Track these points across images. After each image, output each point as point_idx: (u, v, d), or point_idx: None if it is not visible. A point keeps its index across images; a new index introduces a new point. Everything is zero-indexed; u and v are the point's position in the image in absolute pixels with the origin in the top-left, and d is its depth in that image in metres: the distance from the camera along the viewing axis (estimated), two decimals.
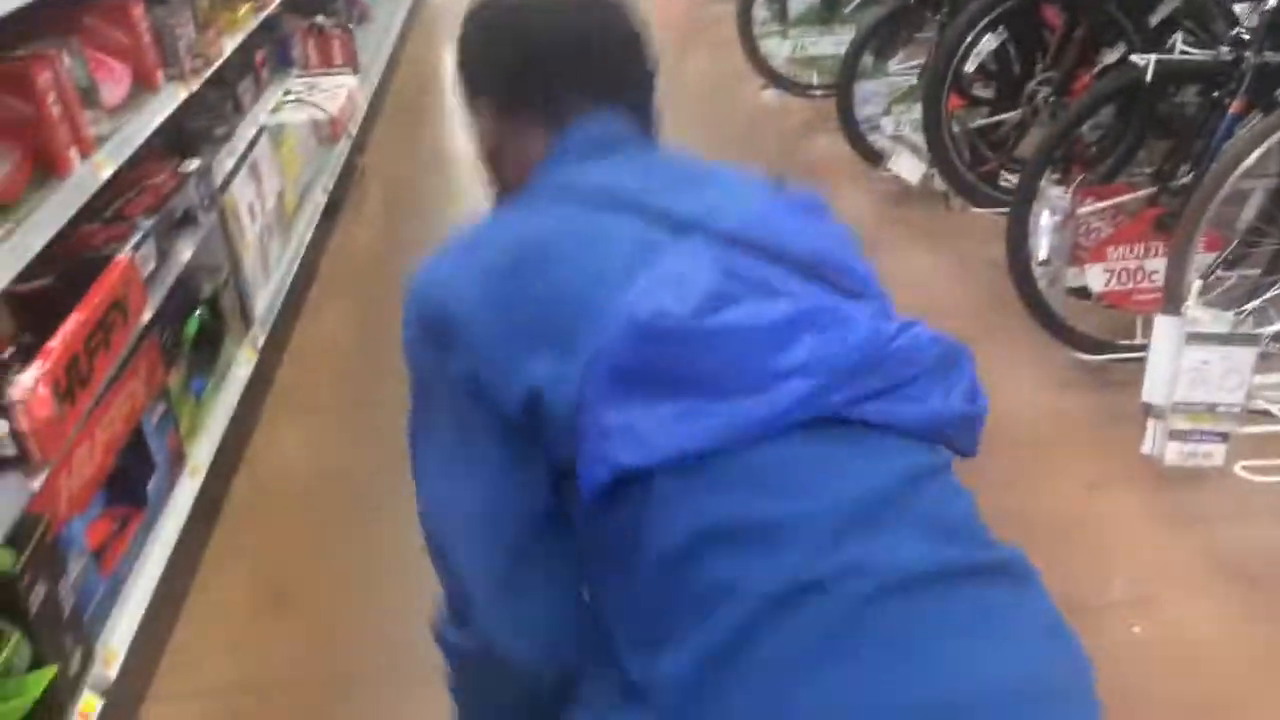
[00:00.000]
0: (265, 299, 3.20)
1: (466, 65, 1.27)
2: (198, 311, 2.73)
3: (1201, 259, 2.55)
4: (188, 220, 2.63)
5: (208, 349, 2.76)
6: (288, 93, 4.07)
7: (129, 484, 2.27)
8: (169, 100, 2.58)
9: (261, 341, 3.06)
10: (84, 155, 2.11)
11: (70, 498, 1.96)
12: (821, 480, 0.95)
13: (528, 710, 1.06)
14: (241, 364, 2.91)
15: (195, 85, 2.72)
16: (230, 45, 3.07)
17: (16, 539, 1.75)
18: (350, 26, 5.19)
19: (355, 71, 4.98)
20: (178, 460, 2.45)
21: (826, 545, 0.91)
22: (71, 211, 2.01)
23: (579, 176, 1.12)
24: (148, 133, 2.41)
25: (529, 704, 1.05)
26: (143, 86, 2.51)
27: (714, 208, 1.08)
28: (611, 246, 1.02)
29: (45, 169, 2.02)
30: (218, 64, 2.91)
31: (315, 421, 3.04)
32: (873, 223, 4.15)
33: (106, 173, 2.16)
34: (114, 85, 2.37)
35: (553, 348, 0.96)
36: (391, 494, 2.67)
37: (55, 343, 1.90)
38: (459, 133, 5.64)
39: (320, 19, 4.84)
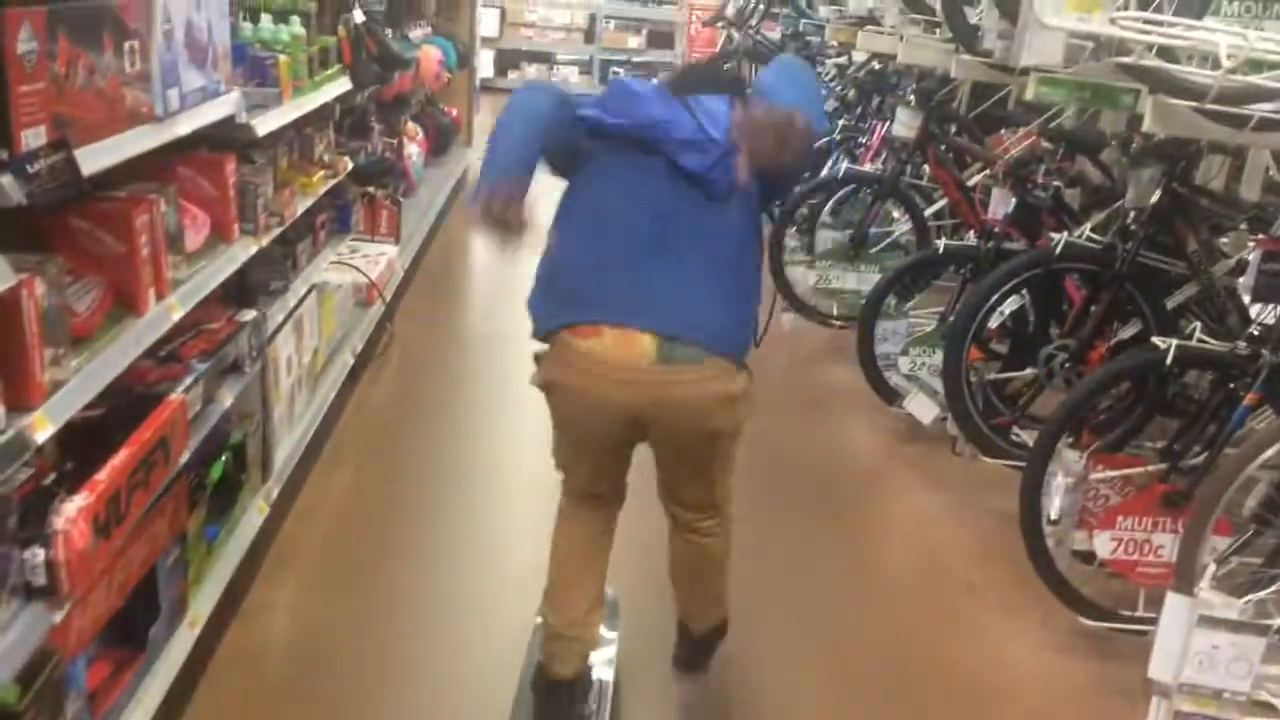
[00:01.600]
0: (285, 452, 3.22)
1: (676, 85, 2.42)
2: (224, 457, 2.75)
3: (1213, 542, 2.61)
4: (235, 368, 2.69)
5: (226, 496, 2.77)
6: (336, 255, 4.21)
7: (129, 626, 2.24)
8: (241, 252, 2.68)
9: (275, 495, 3.07)
10: (160, 296, 2.19)
11: (79, 636, 1.94)
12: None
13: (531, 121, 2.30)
14: (253, 515, 2.91)
15: (266, 241, 2.84)
16: (301, 206, 3.21)
17: (26, 673, 1.72)
18: (399, 199, 5.41)
19: (397, 241, 5.16)
20: (180, 608, 2.42)
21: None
22: (142, 349, 2.07)
23: None
24: (218, 281, 2.50)
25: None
26: (219, 237, 2.62)
27: None
28: None
29: (124, 305, 2.09)
30: (289, 224, 3.04)
31: (312, 583, 3.01)
32: (881, 458, 4.22)
33: (178, 315, 2.24)
34: (195, 233, 2.48)
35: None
36: (375, 664, 2.65)
37: (102, 476, 1.92)
38: (480, 311, 5.79)
39: (373, 189, 5.06)
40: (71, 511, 1.80)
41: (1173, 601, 2.38)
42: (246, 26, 3.26)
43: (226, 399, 2.60)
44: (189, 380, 2.36)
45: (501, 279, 6.37)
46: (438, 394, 4.43)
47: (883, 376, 4.42)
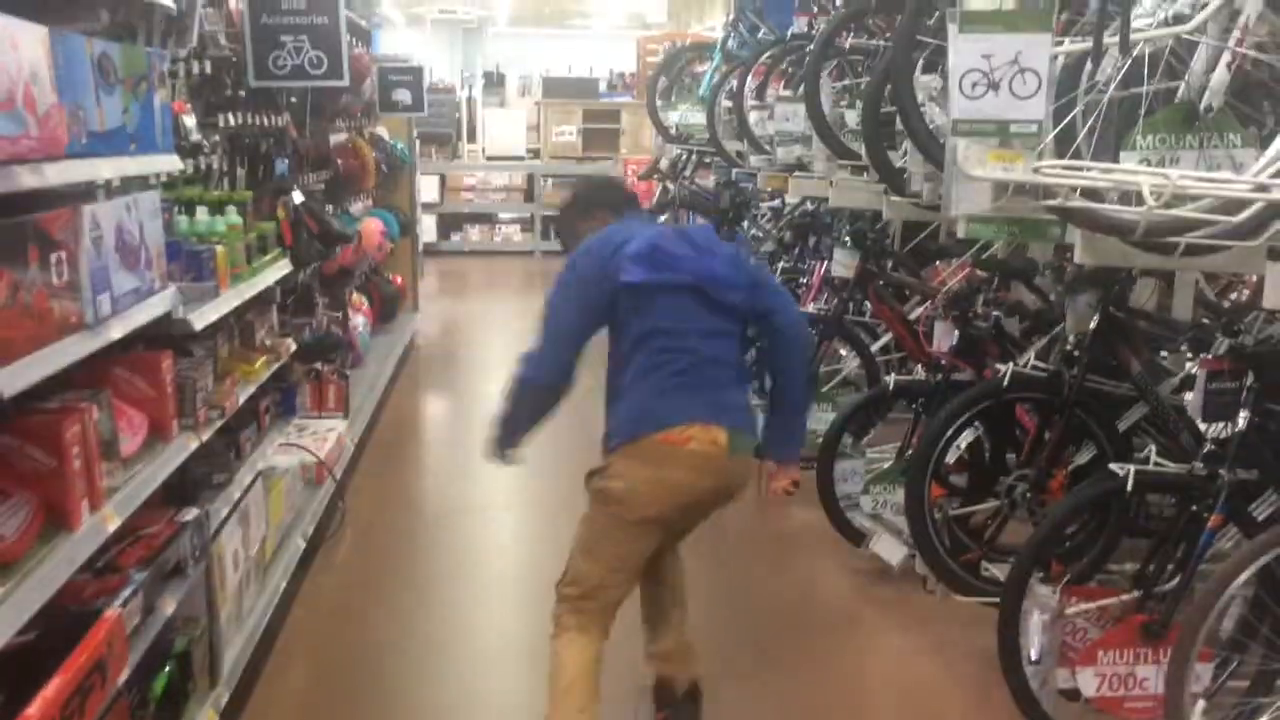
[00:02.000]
0: (234, 653, 3.08)
1: (583, 198, 3.12)
2: (167, 668, 2.61)
3: (1198, 669, 2.55)
4: (177, 571, 2.59)
5: (171, 709, 2.62)
6: (283, 436, 4.14)
7: None
8: (180, 450, 2.61)
9: (225, 701, 2.91)
10: (94, 508, 2.11)
11: None
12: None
13: (542, 405, 2.89)
14: None
15: (206, 435, 2.77)
16: (244, 394, 3.15)
17: None
18: (346, 373, 5.37)
19: (345, 416, 5.10)
20: None
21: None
22: (75, 567, 1.97)
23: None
24: (156, 484, 2.42)
25: (545, 402, 2.86)
26: (158, 436, 2.55)
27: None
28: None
29: (55, 523, 2.00)
30: (230, 414, 2.97)
31: None
32: (852, 601, 4.14)
33: (113, 526, 2.15)
34: (132, 435, 2.41)
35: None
36: None
37: (33, 710, 1.80)
38: (434, 481, 5.70)
39: (319, 365, 5.02)
40: None
41: None
42: (182, 220, 3.26)
43: (169, 606, 2.48)
44: (127, 592, 2.25)
45: (454, 448, 6.30)
46: (395, 572, 4.30)
47: (846, 518, 4.37)
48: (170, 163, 2.72)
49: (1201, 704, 2.34)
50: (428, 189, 12.19)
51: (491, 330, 9.63)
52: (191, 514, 2.68)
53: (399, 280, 8.26)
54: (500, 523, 4.90)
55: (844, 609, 4.09)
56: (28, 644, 2.03)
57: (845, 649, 3.78)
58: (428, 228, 12.03)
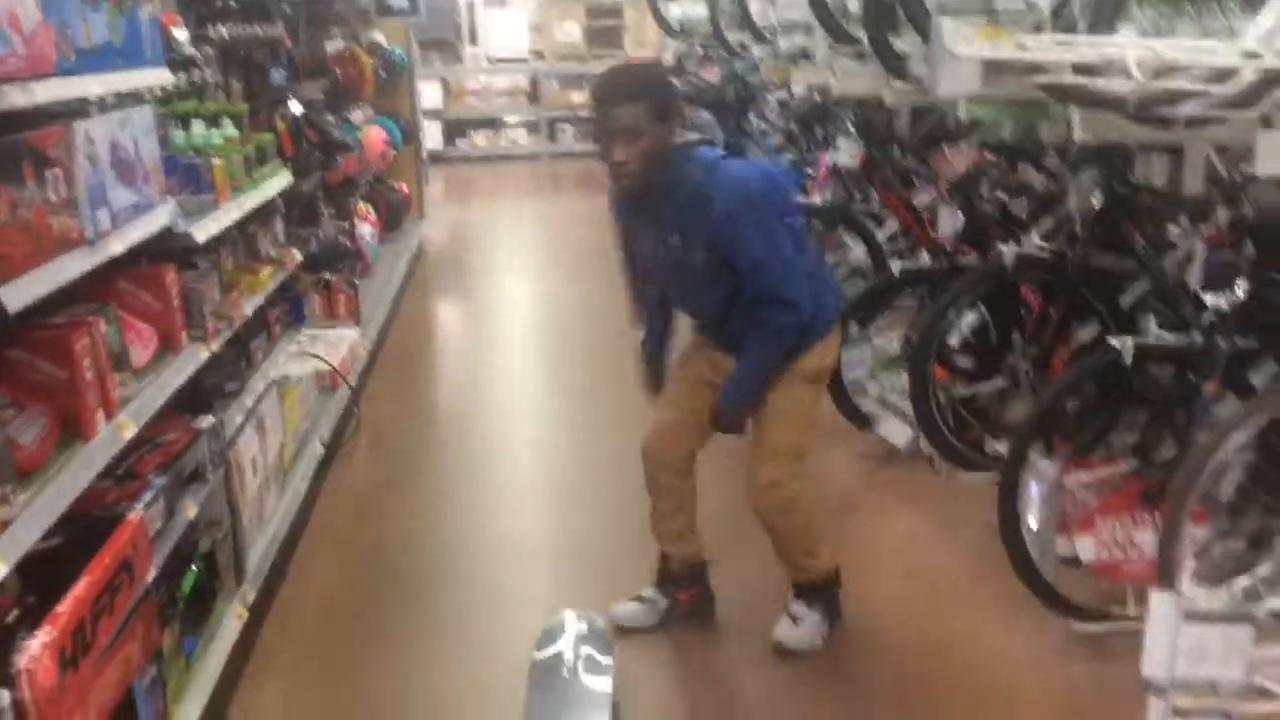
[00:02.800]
0: (258, 553, 3.19)
1: (660, 99, 2.68)
2: (194, 568, 2.72)
3: (1192, 533, 2.61)
4: (196, 477, 2.67)
5: (199, 606, 2.73)
6: (296, 345, 4.21)
7: None
8: (190, 361, 2.67)
9: (251, 598, 3.03)
10: (109, 417, 2.18)
11: None
12: None
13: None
14: (230, 622, 2.87)
15: (216, 346, 2.83)
16: (251, 306, 3.21)
17: None
18: (355, 281, 5.42)
19: (357, 324, 5.16)
20: None
21: None
22: (93, 474, 2.05)
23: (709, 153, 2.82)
24: (169, 393, 2.48)
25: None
26: (167, 348, 2.61)
27: None
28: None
29: (72, 432, 2.07)
30: (239, 325, 3.03)
31: (297, 685, 2.97)
32: (860, 484, 4.22)
33: (129, 434, 2.22)
34: (142, 347, 2.47)
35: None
36: None
37: (64, 608, 1.89)
38: (446, 386, 5.78)
39: (329, 274, 5.06)
40: (35, 649, 1.77)
41: (1157, 599, 2.37)
42: (178, 134, 3.27)
43: (190, 510, 2.57)
44: (148, 497, 2.34)
45: (464, 353, 6.38)
46: (411, 473, 4.41)
47: (854, 404, 4.43)
48: (161, 76, 2.73)
49: (1191, 564, 2.40)
50: (430, 95, 12.06)
51: (499, 235, 9.64)
52: (207, 422, 2.76)
53: (404, 188, 8.25)
54: (514, 424, 4.99)
55: (852, 492, 4.17)
56: (55, 549, 2.12)
57: (853, 529, 3.87)
58: (432, 134, 11.94)
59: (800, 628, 3.01)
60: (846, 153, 5.20)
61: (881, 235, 5.45)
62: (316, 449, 4.06)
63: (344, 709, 2.84)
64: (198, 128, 3.33)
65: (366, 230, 6.59)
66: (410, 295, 7.05)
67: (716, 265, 2.72)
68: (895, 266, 4.33)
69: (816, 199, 5.56)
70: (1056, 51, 2.34)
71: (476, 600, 3.39)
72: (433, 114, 12.20)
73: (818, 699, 2.86)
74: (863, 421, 4.40)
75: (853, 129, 5.24)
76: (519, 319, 6.86)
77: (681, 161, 2.70)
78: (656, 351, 3.16)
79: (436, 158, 11.92)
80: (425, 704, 2.88)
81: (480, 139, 13.24)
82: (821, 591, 3.07)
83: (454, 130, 13.17)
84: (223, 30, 4.24)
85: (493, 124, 13.30)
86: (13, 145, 1.89)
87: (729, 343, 2.92)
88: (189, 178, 2.92)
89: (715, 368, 2.97)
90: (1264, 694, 2.55)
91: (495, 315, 7.03)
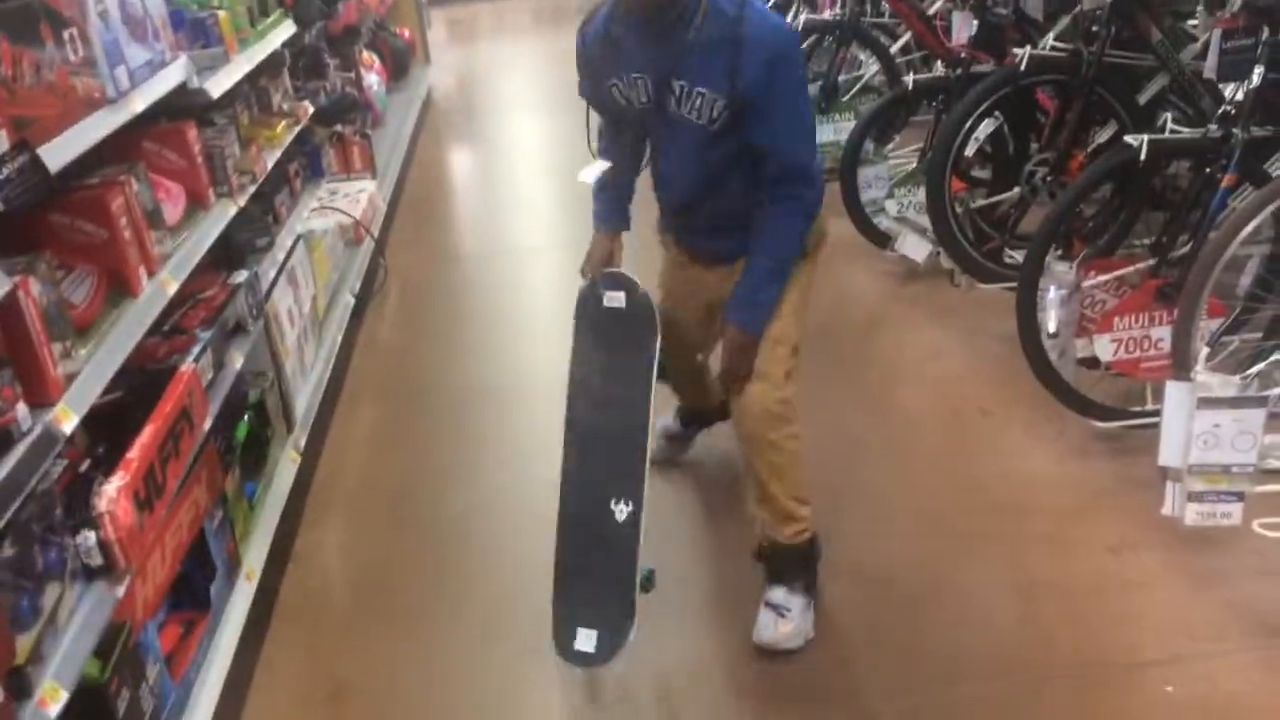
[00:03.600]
0: (304, 401, 3.32)
1: None
2: (246, 417, 2.84)
3: (1206, 325, 2.67)
4: (239, 329, 2.77)
5: (255, 452, 2.87)
6: (317, 201, 4.24)
7: (191, 588, 2.37)
8: (220, 216, 2.73)
9: (303, 443, 3.17)
10: (151, 274, 2.25)
11: (145, 604, 2.06)
12: None
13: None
14: (285, 466, 3.02)
15: (242, 201, 2.88)
16: (270, 160, 3.24)
17: (102, 647, 1.84)
18: (367, 133, 5.40)
19: (374, 176, 5.17)
20: (235, 564, 2.54)
21: None
22: (144, 328, 2.13)
23: None
24: (205, 248, 2.55)
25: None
26: (196, 205, 2.66)
27: None
28: None
29: (119, 289, 2.15)
30: (261, 179, 3.07)
31: (356, 517, 3.13)
32: (882, 301, 4.28)
33: (172, 289, 2.30)
34: (172, 205, 2.52)
35: None
36: (433, 584, 2.78)
37: (133, 454, 2.01)
38: (468, 230, 5.82)
39: (340, 127, 5.05)
40: (112, 492, 1.90)
41: (1172, 388, 2.46)
42: None
43: (237, 361, 2.68)
44: (197, 349, 2.43)
45: (483, 198, 6.38)
46: (443, 316, 4.51)
47: (872, 223, 4.45)
48: None
49: (1205, 352, 2.47)
50: None
51: (506, 76, 9.48)
52: (242, 276, 2.83)
53: (407, 34, 8.09)
54: (536, 262, 5.05)
55: (875, 309, 4.24)
56: (116, 402, 2.23)
57: (878, 345, 3.96)
58: None
59: (787, 622, 2.43)
60: None
61: (894, 48, 5.35)
62: (347, 300, 4.15)
63: (397, 539, 3.00)
64: None
65: (374, 80, 6.51)
66: (423, 142, 7.02)
67: (720, 130, 2.21)
68: (908, 80, 4.28)
69: (827, 14, 5.43)
70: None
71: (515, 430, 3.53)
72: None
73: (839, 500, 2.99)
74: (882, 240, 4.43)
75: None
76: (531, 157, 6.83)
77: None
78: (612, 215, 2.63)
79: (436, 0, 11.62)
80: (472, 525, 3.04)
81: None
82: (806, 561, 2.52)
83: None
84: None
85: None
86: (28, 7, 1.90)
87: (697, 235, 2.52)
88: (197, 32, 2.91)
89: (695, 286, 2.57)
90: (1276, 475, 2.67)
91: (508, 156, 7.00)
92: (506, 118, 7.91)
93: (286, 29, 3.93)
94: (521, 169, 6.69)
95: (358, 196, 4.72)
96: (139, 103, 2.27)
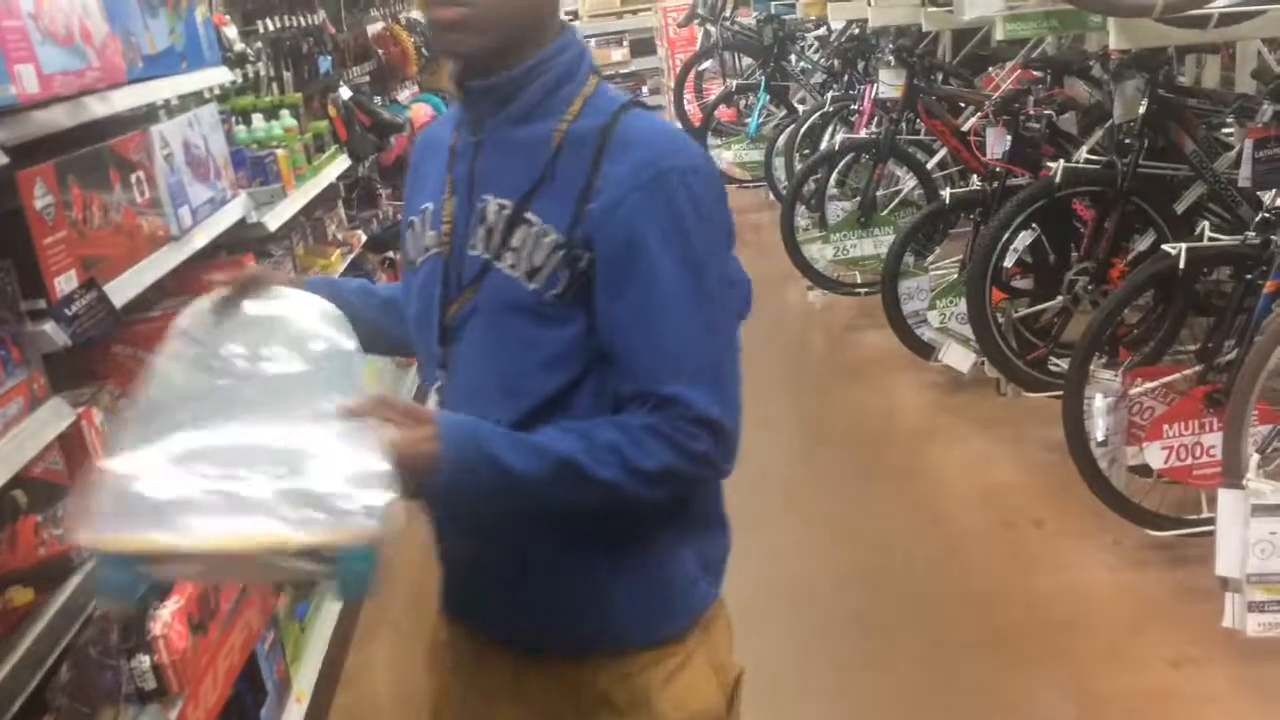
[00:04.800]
0: None
1: None
2: None
3: (1257, 431, 2.64)
4: None
5: None
6: None
7: (242, 711, 2.37)
8: None
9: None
10: None
11: None
12: None
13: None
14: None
15: None
16: None
17: None
18: None
19: None
20: (285, 686, 2.55)
21: None
22: None
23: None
24: None
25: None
26: None
27: None
28: None
29: None
30: None
31: (404, 638, 3.13)
32: (928, 412, 4.28)
33: None
34: None
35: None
36: None
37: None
38: None
39: (391, 254, 5.20)
40: (167, 616, 1.93)
41: (1225, 496, 2.43)
42: (240, 129, 3.41)
43: None
44: None
45: None
46: None
47: (915, 334, 4.48)
48: (221, 75, 2.86)
49: (1256, 459, 2.44)
50: None
51: None
52: None
53: None
54: None
55: (921, 420, 4.24)
56: None
57: (926, 455, 3.94)
58: None
59: None
60: (889, 84, 5.20)
61: (931, 163, 5.45)
62: None
63: None
64: (258, 121, 3.46)
65: None
66: None
67: (551, 307, 1.20)
68: (945, 194, 4.35)
69: (863, 133, 5.57)
70: None
71: None
72: None
73: (896, 619, 2.95)
74: (925, 350, 4.45)
75: (893, 59, 5.23)
76: None
77: (570, 62, 1.24)
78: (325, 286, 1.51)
79: None
80: None
81: None
82: None
83: None
84: (269, 23, 4.37)
85: None
86: (99, 153, 2.02)
87: (489, 588, 1.34)
88: (256, 170, 3.06)
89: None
90: None
91: None
92: None
93: (341, 163, 4.10)
94: None
95: None
96: (201, 239, 2.39)
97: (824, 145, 5.99)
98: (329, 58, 5.15)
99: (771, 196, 7.02)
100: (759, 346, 5.08)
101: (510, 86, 1.22)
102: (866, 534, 3.39)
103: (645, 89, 13.15)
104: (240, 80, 3.79)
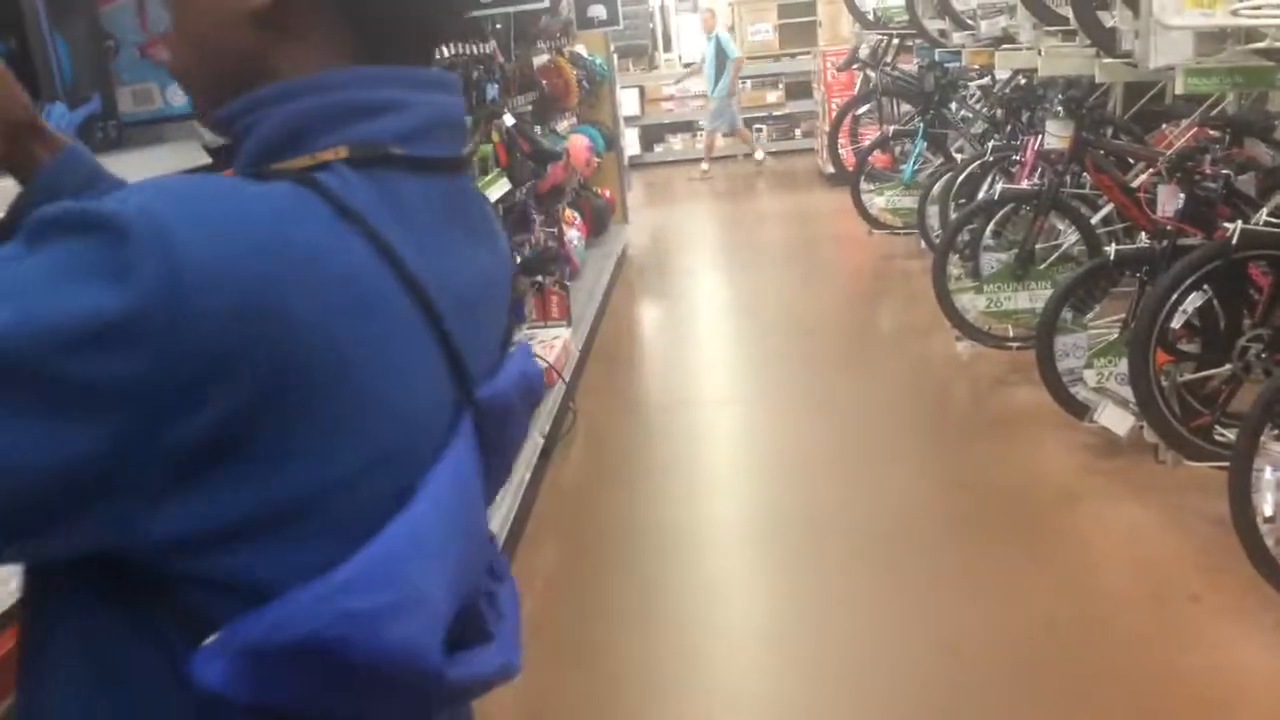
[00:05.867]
0: (493, 530, 3.41)
1: None
2: None
3: None
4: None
5: None
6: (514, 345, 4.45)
7: None
8: None
9: None
10: None
11: None
12: None
13: None
14: None
15: None
16: None
17: None
18: (566, 284, 5.67)
19: (569, 324, 5.40)
20: None
21: None
22: None
23: (399, 183, 0.83)
24: None
25: None
26: None
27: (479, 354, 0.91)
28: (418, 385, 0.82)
29: None
30: None
31: (533, 655, 3.15)
32: (1078, 474, 4.11)
33: None
34: None
35: None
36: None
37: None
38: (654, 380, 5.96)
39: (541, 278, 5.33)
40: None
41: None
42: None
43: None
44: None
45: (671, 348, 6.55)
46: (626, 464, 4.59)
47: (1069, 393, 4.32)
48: None
49: None
50: (628, 102, 12.37)
51: (698, 237, 9.80)
52: None
53: (608, 194, 8.51)
54: (724, 415, 5.11)
55: (1071, 482, 4.07)
56: None
57: (1075, 522, 3.79)
58: (631, 141, 12.24)
59: None
60: (1056, 135, 5.07)
61: (1095, 219, 5.29)
62: (537, 440, 4.29)
63: (575, 684, 3.01)
64: None
65: (574, 235, 6.86)
66: (616, 295, 7.29)
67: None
68: (1110, 250, 4.20)
69: (1024, 184, 5.44)
70: (1273, 15, 2.26)
71: (690, 584, 3.52)
72: (631, 120, 12.51)
73: (1031, 686, 2.83)
74: (1079, 410, 4.28)
75: (1061, 110, 5.10)
76: (720, 316, 6.98)
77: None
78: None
79: (636, 163, 12.22)
80: (641, 674, 3.02)
81: (677, 143, 13.48)
82: None
83: (651, 136, 13.46)
84: (445, 50, 4.54)
85: (688, 128, 13.51)
86: None
87: None
88: None
89: None
90: None
91: (697, 313, 7.18)
92: (695, 277, 8.15)
93: (502, 186, 4.23)
94: (706, 325, 6.85)
95: (553, 342, 4.93)
96: None
97: (982, 194, 5.87)
98: (496, 85, 5.33)
99: (923, 245, 6.91)
100: (899, 395, 4.99)
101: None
102: (1004, 594, 3.28)
103: (798, 131, 13.16)
104: None
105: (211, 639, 0.73)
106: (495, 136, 4.88)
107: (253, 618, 0.73)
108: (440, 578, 0.79)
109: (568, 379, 5.00)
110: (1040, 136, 5.36)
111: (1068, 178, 5.21)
